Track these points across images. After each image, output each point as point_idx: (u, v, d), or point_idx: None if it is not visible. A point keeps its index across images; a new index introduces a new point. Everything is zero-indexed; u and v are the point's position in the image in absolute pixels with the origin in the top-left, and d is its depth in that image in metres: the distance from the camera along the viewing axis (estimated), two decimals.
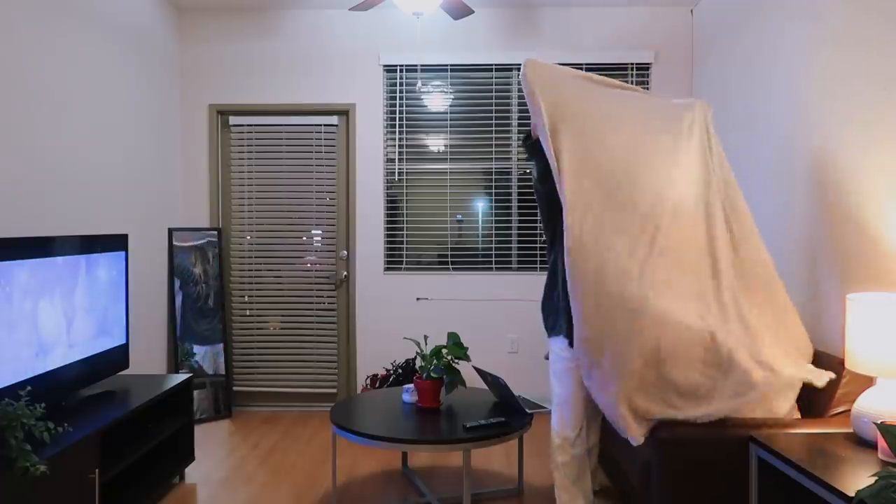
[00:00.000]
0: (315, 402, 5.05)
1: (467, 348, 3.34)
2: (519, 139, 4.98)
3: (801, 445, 2.23)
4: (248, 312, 5.08)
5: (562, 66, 2.91)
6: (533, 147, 2.86)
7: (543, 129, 2.70)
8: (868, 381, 2.51)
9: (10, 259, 2.70)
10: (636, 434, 2.55)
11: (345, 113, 5.03)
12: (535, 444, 4.13)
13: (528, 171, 5.02)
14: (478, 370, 3.43)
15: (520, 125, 5.00)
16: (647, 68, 4.93)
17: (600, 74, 4.84)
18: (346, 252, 5.04)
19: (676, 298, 2.62)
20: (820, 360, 2.77)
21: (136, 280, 4.26)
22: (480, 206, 5.07)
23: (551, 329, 2.96)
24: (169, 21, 4.81)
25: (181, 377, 3.62)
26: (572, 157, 2.69)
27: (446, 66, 4.98)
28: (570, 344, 2.76)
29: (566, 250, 2.63)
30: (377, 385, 4.82)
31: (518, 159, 5.03)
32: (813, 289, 3.13)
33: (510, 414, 3.18)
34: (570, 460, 2.88)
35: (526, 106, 4.98)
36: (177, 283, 4.77)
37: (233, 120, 5.05)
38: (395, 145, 5.05)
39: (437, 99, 5.03)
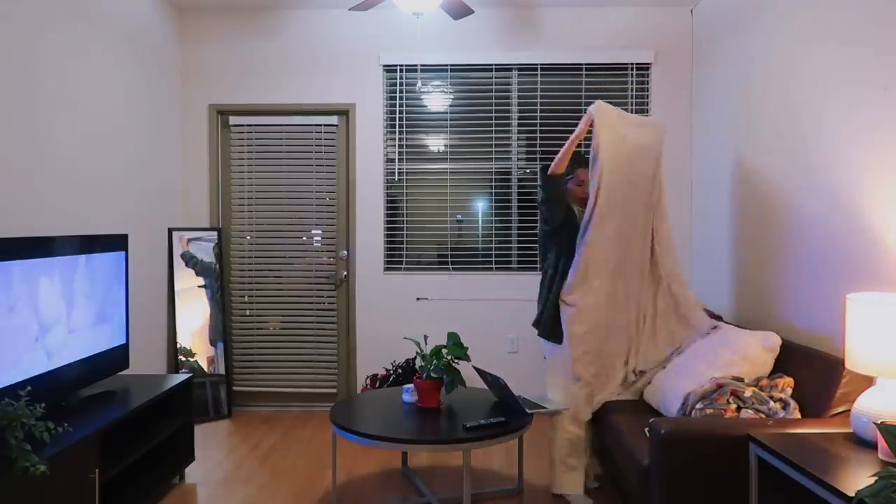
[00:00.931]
0: (315, 402, 5.05)
1: (467, 348, 3.34)
2: (522, 143, 4.99)
3: (801, 445, 2.23)
4: (248, 312, 5.08)
5: (622, 112, 3.28)
6: (549, 182, 3.30)
7: (595, 171, 3.16)
8: (868, 381, 2.51)
9: (10, 259, 2.70)
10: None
11: (345, 113, 5.03)
12: (535, 444, 4.13)
13: (527, 170, 5.02)
14: (478, 370, 3.43)
15: (519, 125, 5.00)
16: (647, 68, 4.92)
17: (600, 74, 4.91)
18: (346, 252, 5.05)
19: (622, 307, 3.35)
20: (820, 360, 2.78)
21: (136, 280, 4.26)
22: (480, 206, 5.07)
23: (537, 322, 3.46)
24: (169, 21, 4.81)
25: (181, 377, 3.62)
26: (604, 207, 3.19)
27: (446, 66, 4.98)
28: (540, 334, 3.41)
29: (569, 284, 3.22)
30: (377, 385, 4.82)
31: (518, 159, 5.03)
32: (812, 288, 3.13)
33: (510, 414, 3.18)
34: (568, 436, 3.25)
35: (526, 105, 4.98)
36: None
37: (233, 120, 5.05)
38: (395, 145, 5.04)
39: (437, 99, 5.03)
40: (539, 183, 3.39)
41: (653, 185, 3.40)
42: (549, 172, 3.31)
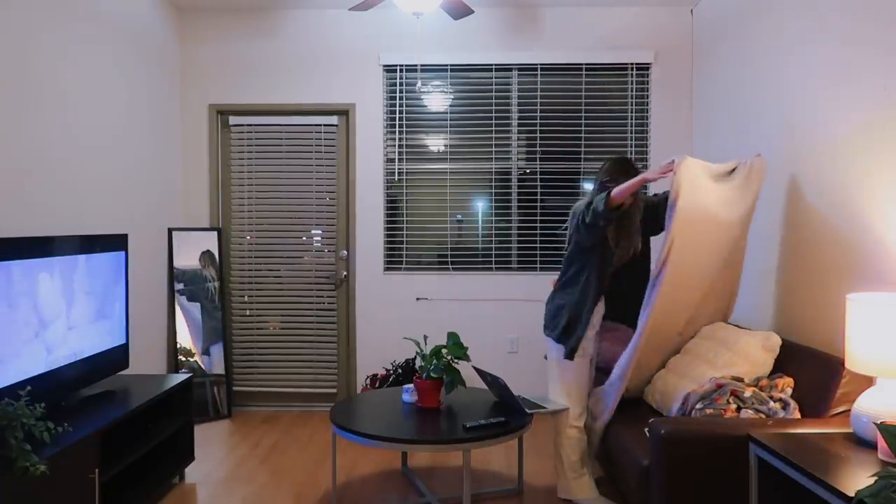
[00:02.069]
0: (315, 402, 5.05)
1: (467, 348, 3.34)
2: (522, 143, 4.98)
3: (801, 445, 2.23)
4: (248, 312, 5.08)
5: (708, 167, 3.07)
6: (607, 212, 2.99)
7: (671, 222, 2.95)
8: (868, 381, 2.51)
9: (10, 259, 2.70)
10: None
11: (345, 113, 5.03)
12: (535, 444, 4.13)
13: (527, 171, 5.02)
14: (478, 370, 3.43)
15: (519, 125, 5.00)
16: (647, 68, 4.92)
17: (600, 74, 4.91)
18: (346, 252, 5.04)
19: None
20: (820, 360, 2.78)
21: (136, 280, 4.26)
22: (480, 206, 5.07)
23: (551, 330, 3.31)
24: (169, 21, 4.81)
25: (181, 377, 3.62)
26: (678, 255, 2.98)
27: (446, 66, 4.98)
28: (559, 344, 3.26)
29: (643, 324, 3.04)
30: (377, 385, 4.82)
31: (518, 159, 5.03)
32: (813, 288, 3.13)
33: (510, 414, 3.18)
34: (576, 439, 3.22)
35: (526, 105, 4.98)
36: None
37: (233, 120, 5.06)
38: (395, 145, 5.04)
39: (437, 99, 5.03)
40: (597, 207, 3.01)
41: (732, 268, 3.25)
42: (610, 204, 2.97)
